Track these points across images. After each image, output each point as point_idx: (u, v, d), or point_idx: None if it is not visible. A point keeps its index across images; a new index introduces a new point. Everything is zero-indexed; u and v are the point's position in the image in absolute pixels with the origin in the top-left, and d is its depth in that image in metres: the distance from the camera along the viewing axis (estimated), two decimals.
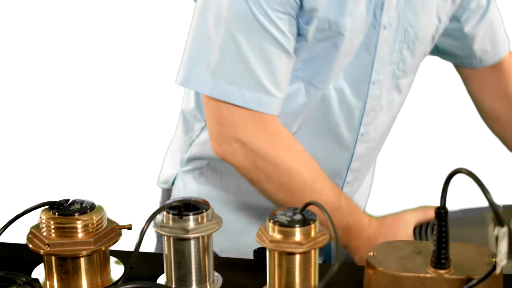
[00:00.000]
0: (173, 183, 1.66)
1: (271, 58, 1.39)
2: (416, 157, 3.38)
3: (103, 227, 1.20)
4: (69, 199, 1.22)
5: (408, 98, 1.66)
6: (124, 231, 1.24)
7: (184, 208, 1.17)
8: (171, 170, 1.67)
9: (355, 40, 1.45)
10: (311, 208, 1.15)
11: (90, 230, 1.18)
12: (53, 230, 1.18)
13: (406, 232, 1.45)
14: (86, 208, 1.20)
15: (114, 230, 1.22)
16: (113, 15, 3.82)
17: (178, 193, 1.63)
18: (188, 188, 1.61)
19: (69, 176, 3.59)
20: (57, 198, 1.23)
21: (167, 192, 1.69)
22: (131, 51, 3.73)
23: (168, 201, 1.19)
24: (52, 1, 3.87)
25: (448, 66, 1.76)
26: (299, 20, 1.40)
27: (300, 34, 1.42)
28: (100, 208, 1.21)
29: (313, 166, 1.46)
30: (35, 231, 1.20)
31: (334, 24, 1.41)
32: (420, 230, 1.45)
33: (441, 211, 1.12)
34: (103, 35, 3.84)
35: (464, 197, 1.91)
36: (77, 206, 1.20)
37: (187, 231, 1.15)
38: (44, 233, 1.19)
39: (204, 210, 1.17)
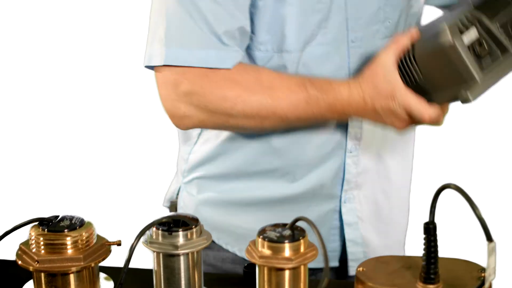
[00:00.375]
0: (177, 197, 1.66)
1: (216, 15, 1.40)
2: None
3: (92, 243, 1.20)
4: (58, 216, 1.22)
5: None
6: (114, 247, 1.24)
7: (173, 224, 1.17)
8: (175, 185, 1.67)
9: None
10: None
11: (80, 246, 1.18)
12: (42, 247, 1.18)
13: (388, 77, 1.38)
14: (76, 224, 1.20)
15: (104, 246, 1.22)
16: (119, 20, 3.79)
17: (184, 205, 1.62)
18: (193, 198, 1.61)
19: (62, 193, 3.57)
20: (52, 213, 1.23)
21: (173, 210, 1.69)
22: (135, 58, 3.68)
23: (157, 218, 1.19)
24: (52, 1, 3.82)
25: None
26: None
27: None
28: (90, 224, 1.21)
29: (260, 74, 1.44)
30: (24, 247, 1.20)
31: None
32: (405, 63, 1.36)
33: (430, 226, 1.12)
34: (106, 47, 3.80)
35: (453, 211, 1.92)
36: (67, 222, 1.20)
37: (176, 247, 1.15)
38: (34, 250, 1.19)
39: (193, 226, 1.17)
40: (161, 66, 1.42)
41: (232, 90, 1.41)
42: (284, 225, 1.16)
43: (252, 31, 1.44)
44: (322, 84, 1.42)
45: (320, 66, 1.47)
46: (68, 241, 1.18)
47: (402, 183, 1.69)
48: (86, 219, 1.22)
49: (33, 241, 1.19)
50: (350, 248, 1.59)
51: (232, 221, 1.57)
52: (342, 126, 1.52)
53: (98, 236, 1.23)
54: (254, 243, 1.15)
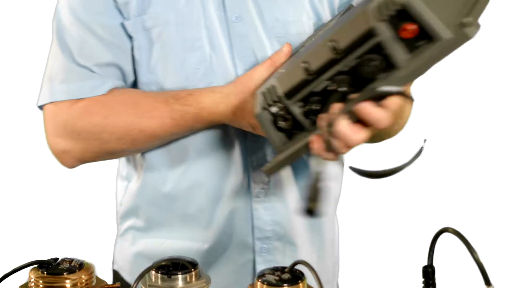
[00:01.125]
0: None
1: (83, 50, 1.43)
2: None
3: (91, 286, 1.20)
4: (57, 258, 1.22)
5: None
6: None
7: (172, 267, 1.17)
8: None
9: (188, 33, 1.41)
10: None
11: None
12: None
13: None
14: (75, 267, 1.20)
15: None
16: None
17: (118, 258, 1.61)
18: (126, 251, 1.59)
19: (61, 235, 3.57)
20: (51, 256, 1.23)
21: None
22: None
23: (157, 260, 1.19)
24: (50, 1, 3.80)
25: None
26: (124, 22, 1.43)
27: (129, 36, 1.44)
28: (89, 267, 1.21)
29: (125, 95, 1.43)
30: None
31: (153, 18, 1.41)
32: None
33: (428, 270, 1.13)
34: None
35: (451, 254, 1.92)
36: (66, 265, 1.20)
37: None
38: None
39: (192, 269, 1.17)
40: (47, 104, 1.45)
41: (99, 114, 1.43)
42: (283, 268, 1.17)
43: (135, 73, 1.46)
44: (186, 97, 1.40)
45: None
46: (68, 284, 1.17)
47: (332, 230, 1.63)
48: (85, 261, 1.22)
49: (33, 284, 1.19)
50: None
51: None
52: (244, 169, 1.48)
53: (97, 278, 1.23)
54: (253, 286, 1.16)
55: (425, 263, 1.14)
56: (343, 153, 1.18)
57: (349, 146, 1.17)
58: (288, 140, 1.27)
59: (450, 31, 1.03)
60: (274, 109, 1.26)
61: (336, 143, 1.15)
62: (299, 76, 1.19)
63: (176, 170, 1.50)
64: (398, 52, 1.08)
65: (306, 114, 1.22)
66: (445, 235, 1.13)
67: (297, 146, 1.23)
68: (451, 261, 2.30)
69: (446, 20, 1.04)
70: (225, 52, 1.43)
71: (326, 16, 1.48)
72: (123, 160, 1.60)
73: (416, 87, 1.39)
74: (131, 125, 1.42)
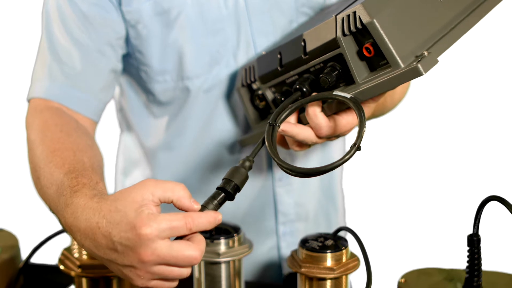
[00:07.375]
0: None
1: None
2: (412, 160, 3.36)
3: None
4: None
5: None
6: None
7: (215, 232, 1.17)
8: None
9: (208, 14, 1.31)
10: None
11: None
12: (84, 252, 1.19)
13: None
14: None
15: None
16: None
17: None
18: None
19: None
20: None
21: None
22: None
23: None
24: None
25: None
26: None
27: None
28: None
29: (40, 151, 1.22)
30: (67, 252, 1.21)
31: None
32: None
33: (474, 239, 1.12)
34: None
35: (497, 223, 1.91)
36: None
37: (218, 254, 1.16)
38: (76, 255, 1.19)
39: (235, 234, 1.17)
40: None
41: (34, 130, 1.26)
42: (327, 235, 1.16)
43: (145, 63, 1.35)
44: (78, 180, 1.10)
45: (226, 89, 1.38)
46: None
47: (342, 199, 1.58)
48: None
49: (76, 247, 1.20)
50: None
51: None
52: (265, 154, 1.41)
53: None
54: (296, 252, 1.15)
55: (470, 232, 1.13)
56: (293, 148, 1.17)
57: (298, 144, 1.16)
58: (262, 119, 1.30)
59: (403, 60, 1.03)
60: (252, 87, 1.28)
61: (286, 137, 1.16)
62: (273, 65, 1.21)
63: (194, 155, 1.42)
64: (356, 68, 1.09)
65: (274, 101, 1.25)
66: (491, 203, 1.12)
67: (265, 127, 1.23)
68: (497, 230, 2.28)
69: (407, 48, 1.04)
70: (246, 32, 1.35)
71: None
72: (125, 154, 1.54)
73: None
74: (36, 162, 1.20)
